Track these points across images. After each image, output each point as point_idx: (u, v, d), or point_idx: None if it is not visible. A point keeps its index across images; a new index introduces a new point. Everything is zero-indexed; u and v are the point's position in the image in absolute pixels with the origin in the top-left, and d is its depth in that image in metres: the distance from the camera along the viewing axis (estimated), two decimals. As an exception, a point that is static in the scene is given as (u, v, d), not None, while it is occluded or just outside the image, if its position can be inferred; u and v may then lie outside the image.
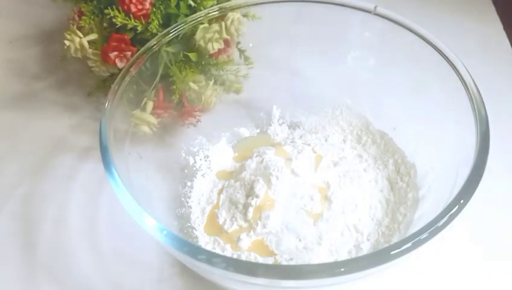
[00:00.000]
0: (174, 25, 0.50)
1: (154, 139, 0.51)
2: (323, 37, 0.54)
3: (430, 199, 0.46)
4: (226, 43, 0.54)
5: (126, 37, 0.53)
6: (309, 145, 0.55)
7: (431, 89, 0.49)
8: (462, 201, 0.36)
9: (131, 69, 0.47)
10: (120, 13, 0.52)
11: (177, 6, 0.53)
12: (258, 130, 0.58)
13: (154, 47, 0.49)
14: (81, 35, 0.54)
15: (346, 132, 0.56)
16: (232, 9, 0.52)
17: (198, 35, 0.51)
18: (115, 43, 0.53)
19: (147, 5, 0.52)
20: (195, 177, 0.54)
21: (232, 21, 0.52)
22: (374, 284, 0.46)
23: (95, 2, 0.54)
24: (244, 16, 0.54)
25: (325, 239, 0.46)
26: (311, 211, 0.48)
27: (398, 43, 0.50)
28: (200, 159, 0.55)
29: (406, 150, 0.52)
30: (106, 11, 0.52)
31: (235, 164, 0.55)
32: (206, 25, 0.52)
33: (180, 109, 0.54)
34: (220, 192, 0.53)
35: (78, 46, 0.54)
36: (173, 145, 0.54)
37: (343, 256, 0.46)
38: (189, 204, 0.51)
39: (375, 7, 0.50)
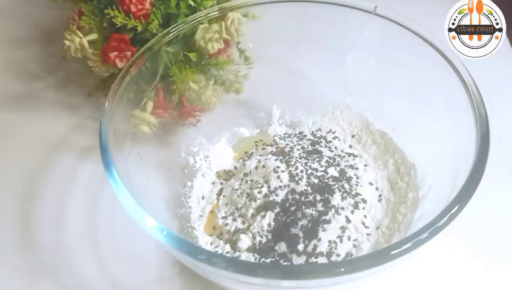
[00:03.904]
0: (174, 25, 0.50)
1: (154, 139, 0.51)
2: (323, 37, 0.54)
3: (430, 199, 0.46)
4: (226, 43, 0.54)
5: (126, 37, 0.53)
6: (309, 145, 0.54)
7: (431, 89, 0.49)
8: (462, 201, 0.36)
9: (131, 69, 0.47)
10: (120, 13, 0.52)
11: (177, 6, 0.53)
12: (258, 130, 0.58)
13: (154, 47, 0.49)
14: (81, 35, 0.54)
15: (346, 132, 0.56)
16: (232, 9, 0.52)
17: (198, 35, 0.51)
18: (115, 43, 0.53)
19: (147, 5, 0.52)
20: (195, 177, 0.54)
21: (232, 21, 0.52)
22: (374, 284, 0.46)
23: (95, 2, 0.54)
24: (244, 16, 0.54)
25: (325, 239, 0.46)
26: (311, 211, 0.48)
27: (398, 43, 0.50)
28: (200, 159, 0.55)
29: (406, 150, 0.53)
30: (106, 11, 0.52)
31: (235, 164, 0.55)
32: (206, 25, 0.52)
33: (180, 109, 0.54)
34: (220, 192, 0.53)
35: (78, 46, 0.54)
36: (173, 145, 0.54)
37: (343, 256, 0.46)
38: (189, 204, 0.51)
39: (375, 7, 0.50)
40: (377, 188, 0.51)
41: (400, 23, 0.48)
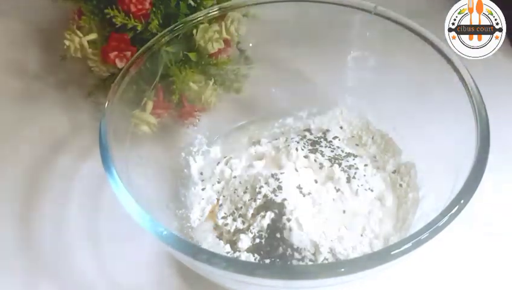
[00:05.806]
0: (174, 25, 0.50)
1: (154, 139, 0.51)
2: (323, 37, 0.54)
3: (430, 199, 0.46)
4: (226, 43, 0.54)
5: (126, 37, 0.53)
6: (309, 145, 0.54)
7: (431, 88, 0.49)
8: (462, 201, 0.36)
9: (131, 69, 0.47)
10: (120, 13, 0.52)
11: (177, 6, 0.53)
12: (258, 130, 0.58)
13: (154, 47, 0.49)
14: (81, 35, 0.54)
15: (346, 132, 0.56)
16: (232, 9, 0.52)
17: (198, 35, 0.51)
18: (114, 43, 0.53)
19: (147, 5, 0.52)
20: (195, 177, 0.53)
21: (232, 21, 0.52)
22: (374, 284, 0.46)
23: (94, 2, 0.54)
24: (244, 15, 0.54)
25: (325, 239, 0.46)
26: (310, 211, 0.48)
27: (398, 43, 0.50)
28: (200, 159, 0.55)
29: (406, 150, 0.52)
30: (106, 11, 0.52)
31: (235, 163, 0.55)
32: (206, 25, 0.52)
33: (180, 109, 0.54)
34: (220, 192, 0.53)
35: (78, 46, 0.54)
36: (173, 145, 0.54)
37: (343, 256, 0.46)
38: (189, 204, 0.51)
39: (375, 7, 0.50)
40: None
41: (400, 23, 0.48)
